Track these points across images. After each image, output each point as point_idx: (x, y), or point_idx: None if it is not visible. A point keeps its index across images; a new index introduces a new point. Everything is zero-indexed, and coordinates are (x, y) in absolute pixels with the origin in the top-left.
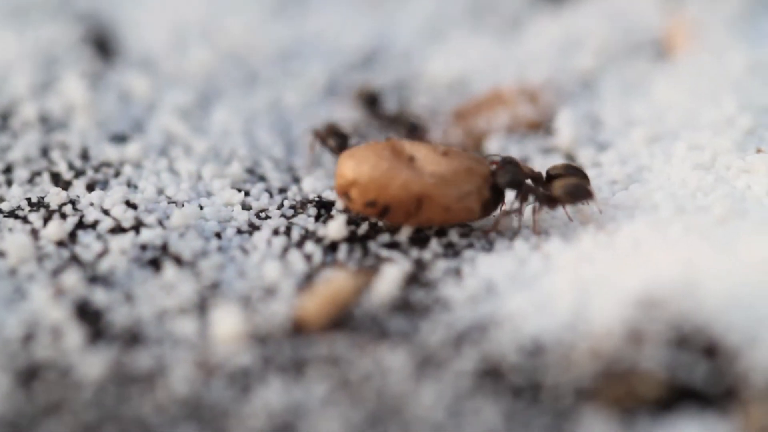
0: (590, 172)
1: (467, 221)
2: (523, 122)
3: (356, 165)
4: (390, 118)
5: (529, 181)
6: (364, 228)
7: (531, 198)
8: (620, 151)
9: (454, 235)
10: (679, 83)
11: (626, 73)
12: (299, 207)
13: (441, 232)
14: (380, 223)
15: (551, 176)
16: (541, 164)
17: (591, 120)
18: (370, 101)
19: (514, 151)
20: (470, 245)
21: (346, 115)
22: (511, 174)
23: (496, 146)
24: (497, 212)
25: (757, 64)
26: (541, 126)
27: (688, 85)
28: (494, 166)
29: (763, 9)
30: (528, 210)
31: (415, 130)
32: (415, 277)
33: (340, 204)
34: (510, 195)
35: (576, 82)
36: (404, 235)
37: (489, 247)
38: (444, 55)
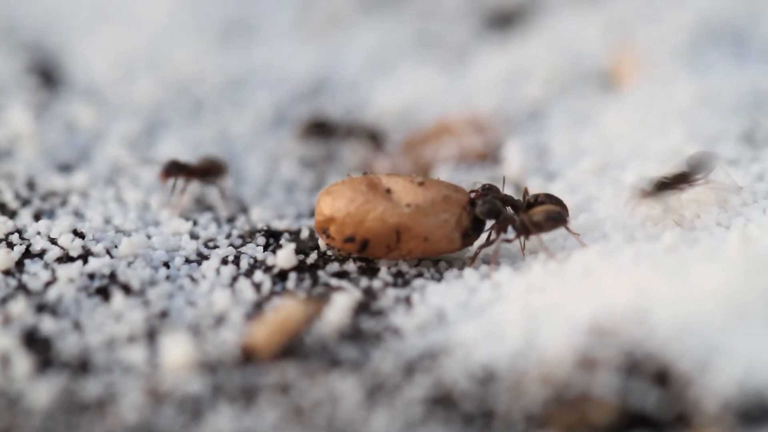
0: None
1: (449, 251)
2: (471, 152)
3: (332, 201)
4: (347, 130)
5: (509, 209)
6: (313, 257)
7: (509, 227)
8: (569, 180)
9: (403, 265)
10: (627, 113)
11: (574, 103)
12: (248, 236)
13: (390, 262)
14: (329, 252)
15: (530, 204)
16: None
17: (539, 150)
18: (320, 128)
19: (463, 182)
20: (420, 274)
21: (296, 148)
22: (490, 203)
23: (444, 176)
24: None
25: (704, 94)
26: (489, 156)
27: (635, 115)
28: (474, 195)
29: (709, 40)
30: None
31: (375, 139)
32: (366, 306)
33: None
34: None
35: (524, 112)
36: (354, 265)
37: (438, 276)
38: (391, 85)
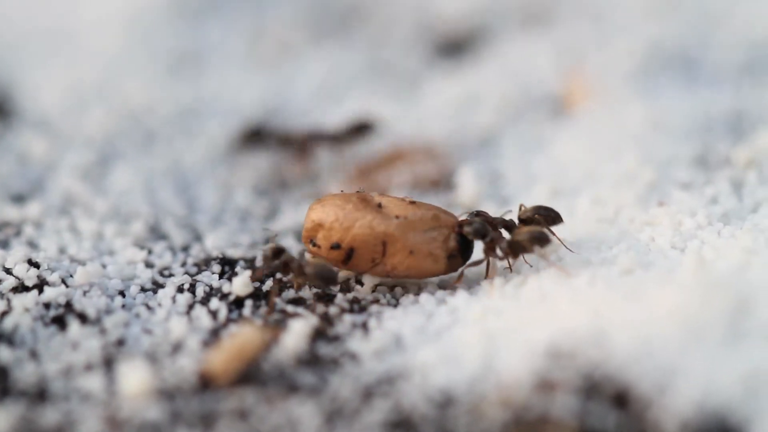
0: None
1: (433, 272)
2: (425, 178)
3: (322, 208)
4: (282, 138)
5: (502, 230)
6: (268, 284)
7: (498, 249)
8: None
9: (359, 291)
10: (580, 138)
11: (526, 129)
12: (203, 264)
13: (346, 288)
14: (285, 279)
15: (523, 221)
16: None
17: (492, 175)
18: (256, 135)
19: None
20: (376, 300)
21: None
22: (478, 224)
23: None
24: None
25: (656, 118)
26: (443, 182)
27: (588, 140)
28: (462, 220)
29: (659, 65)
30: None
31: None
32: (322, 332)
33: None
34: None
35: (476, 139)
36: (309, 291)
37: (395, 302)
38: (343, 113)
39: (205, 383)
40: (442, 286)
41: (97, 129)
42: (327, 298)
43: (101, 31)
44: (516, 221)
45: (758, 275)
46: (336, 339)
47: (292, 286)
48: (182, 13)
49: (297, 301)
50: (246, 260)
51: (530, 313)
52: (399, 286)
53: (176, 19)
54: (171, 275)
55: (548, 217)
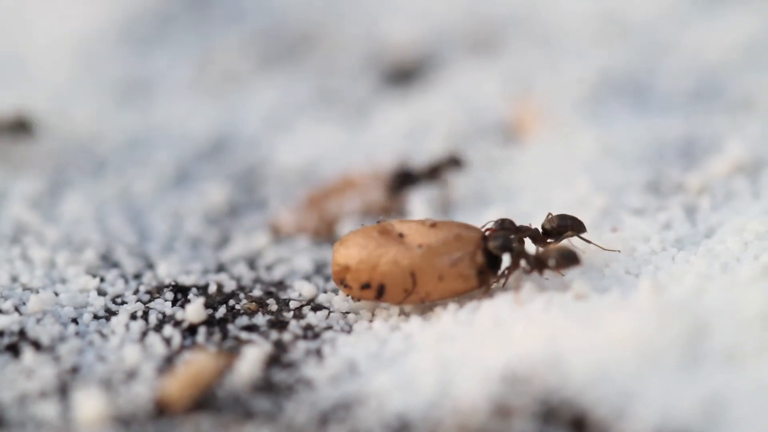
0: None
1: (465, 290)
2: (376, 206)
3: (346, 250)
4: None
5: (527, 240)
6: (222, 311)
7: (523, 261)
8: None
9: (312, 318)
10: (531, 165)
11: (476, 155)
12: (155, 292)
13: (299, 315)
14: (238, 306)
15: (546, 230)
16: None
17: (443, 202)
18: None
19: None
20: (329, 327)
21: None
22: (502, 238)
23: (349, 231)
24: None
25: (607, 145)
26: (394, 209)
27: (540, 166)
28: (488, 232)
29: (609, 92)
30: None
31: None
32: (277, 358)
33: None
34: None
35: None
36: (263, 318)
37: (348, 328)
38: (292, 142)
39: (161, 410)
40: (404, 311)
41: (47, 158)
42: (280, 325)
43: (50, 59)
44: (540, 230)
45: (713, 300)
46: (290, 365)
47: (245, 313)
48: (130, 40)
49: (250, 328)
50: (198, 287)
51: (484, 339)
52: (352, 313)
53: (124, 46)
54: (124, 303)
55: (574, 226)
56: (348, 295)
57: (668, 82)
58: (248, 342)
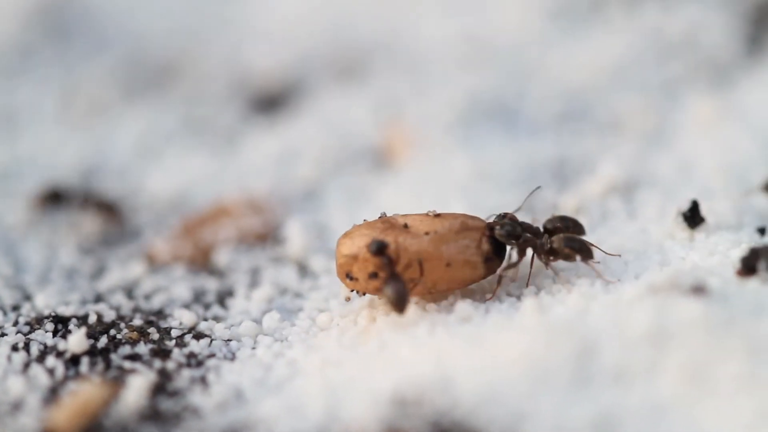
0: (324, 280)
1: (473, 279)
2: (251, 233)
3: (351, 241)
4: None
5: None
6: (104, 341)
7: (529, 251)
8: None
9: (195, 346)
10: (404, 189)
11: (349, 181)
12: (35, 323)
13: (181, 343)
14: (119, 335)
15: (547, 229)
16: (273, 274)
17: (319, 228)
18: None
19: (245, 263)
20: (212, 355)
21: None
22: (509, 226)
23: (225, 258)
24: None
25: (480, 168)
26: (270, 236)
27: (412, 191)
28: (491, 222)
29: (479, 115)
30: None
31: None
32: (162, 387)
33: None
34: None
35: (300, 192)
36: (145, 347)
37: (231, 355)
38: (162, 171)
39: None
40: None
41: None
42: (163, 353)
43: None
44: (541, 228)
45: (599, 320)
46: (176, 394)
47: (127, 342)
48: None
49: (133, 357)
50: (78, 318)
51: (371, 363)
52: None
53: None
54: (4, 335)
55: (574, 227)
56: (353, 290)
57: (537, 104)
58: (132, 371)
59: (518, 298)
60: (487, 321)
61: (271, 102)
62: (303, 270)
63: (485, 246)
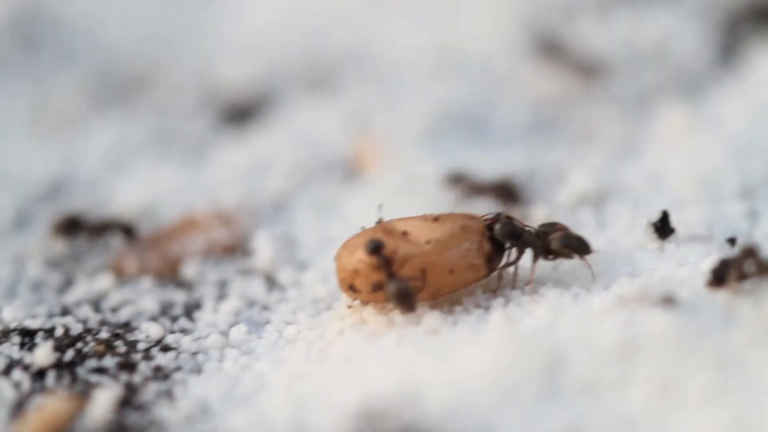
0: (292, 292)
1: (475, 280)
2: (219, 245)
3: (351, 254)
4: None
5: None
6: (70, 354)
7: (529, 250)
8: (320, 269)
9: (161, 359)
10: (373, 201)
11: (318, 192)
12: (1, 336)
13: (148, 356)
14: (86, 349)
15: (540, 234)
16: (241, 286)
17: (287, 240)
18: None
19: (212, 275)
20: (179, 368)
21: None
22: (509, 225)
23: (193, 271)
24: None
25: (450, 178)
26: (238, 248)
27: (383, 202)
28: (489, 220)
29: (450, 126)
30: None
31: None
32: (128, 400)
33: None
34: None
35: (269, 204)
36: (111, 360)
37: (198, 369)
38: (131, 183)
39: None
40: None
41: None
42: (129, 367)
43: None
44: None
45: (567, 332)
46: (142, 407)
47: (93, 356)
48: None
49: (100, 371)
50: (45, 331)
51: (338, 375)
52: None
53: None
54: None
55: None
56: (355, 300)
57: (507, 115)
58: (98, 385)
59: (486, 309)
60: (455, 333)
61: (240, 113)
62: (271, 282)
63: (486, 246)
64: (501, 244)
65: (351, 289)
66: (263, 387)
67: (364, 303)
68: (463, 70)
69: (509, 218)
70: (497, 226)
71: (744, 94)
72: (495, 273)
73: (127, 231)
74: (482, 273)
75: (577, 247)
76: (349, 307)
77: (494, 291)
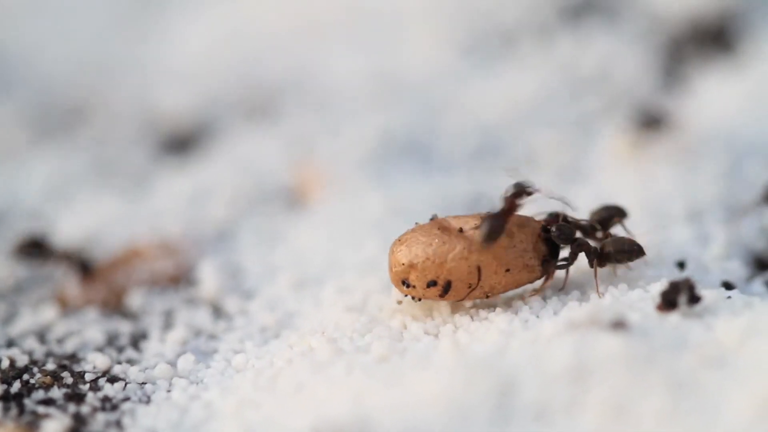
0: (239, 321)
1: (529, 281)
2: (163, 275)
3: (408, 249)
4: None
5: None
6: (17, 386)
7: (583, 254)
8: (267, 297)
9: (109, 389)
10: (319, 228)
11: (262, 221)
12: None
13: (95, 387)
14: (33, 380)
15: (593, 227)
16: (187, 316)
17: (232, 269)
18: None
19: (158, 305)
20: (127, 398)
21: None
22: (563, 228)
23: (138, 301)
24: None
25: (395, 204)
26: (183, 278)
27: (327, 229)
28: (544, 221)
29: (392, 152)
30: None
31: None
32: (77, 431)
33: None
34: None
35: (212, 233)
36: (59, 391)
37: (146, 398)
38: (72, 214)
39: None
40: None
41: None
42: (77, 398)
43: None
44: (591, 224)
45: (518, 357)
46: None
47: (40, 387)
48: None
49: (47, 402)
50: None
51: (288, 403)
52: (149, 383)
53: None
54: None
55: (619, 212)
56: (407, 295)
57: (450, 141)
58: (46, 416)
59: (436, 336)
60: (405, 360)
61: (181, 143)
62: (217, 311)
63: (542, 248)
64: (556, 245)
65: (404, 283)
66: (213, 416)
67: (416, 299)
68: (404, 95)
69: (566, 220)
70: (552, 229)
71: (687, 116)
72: (554, 273)
73: (84, 267)
74: (536, 274)
75: (629, 252)
76: (399, 302)
77: (560, 290)
